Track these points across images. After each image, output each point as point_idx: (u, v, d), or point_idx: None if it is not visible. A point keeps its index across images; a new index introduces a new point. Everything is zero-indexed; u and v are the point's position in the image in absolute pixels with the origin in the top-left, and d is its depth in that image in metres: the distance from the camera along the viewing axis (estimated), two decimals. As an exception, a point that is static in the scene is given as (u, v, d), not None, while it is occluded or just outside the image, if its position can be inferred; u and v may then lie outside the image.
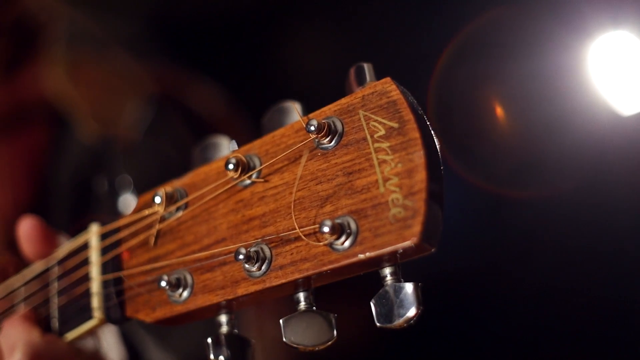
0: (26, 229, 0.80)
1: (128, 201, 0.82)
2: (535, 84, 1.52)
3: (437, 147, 0.58)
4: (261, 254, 0.61)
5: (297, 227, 0.59)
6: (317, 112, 0.62)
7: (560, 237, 1.67)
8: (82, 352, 0.77)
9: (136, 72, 1.60)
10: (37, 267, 0.81)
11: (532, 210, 1.69)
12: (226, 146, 0.70)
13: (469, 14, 1.59)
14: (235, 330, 0.65)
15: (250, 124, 1.61)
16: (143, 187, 0.86)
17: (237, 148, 0.68)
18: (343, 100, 0.61)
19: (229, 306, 0.65)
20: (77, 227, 0.79)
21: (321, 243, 0.59)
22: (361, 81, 0.62)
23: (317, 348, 0.61)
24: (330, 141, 0.61)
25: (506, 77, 1.55)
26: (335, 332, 0.61)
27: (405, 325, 0.58)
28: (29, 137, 1.50)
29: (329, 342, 0.61)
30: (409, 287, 0.57)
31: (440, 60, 1.50)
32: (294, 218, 0.60)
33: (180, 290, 0.65)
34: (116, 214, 0.85)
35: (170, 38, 1.98)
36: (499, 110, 1.56)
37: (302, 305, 0.61)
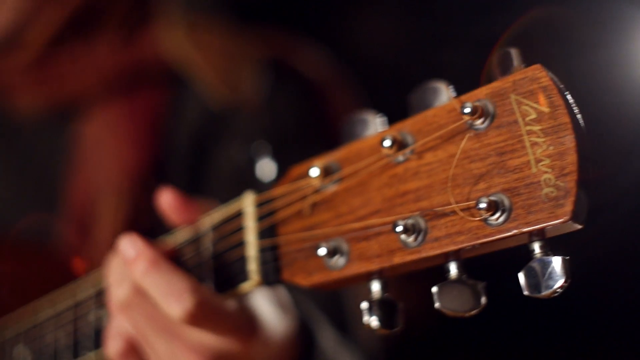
0: (168, 200, 0.89)
1: (265, 166, 0.89)
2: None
3: (584, 132, 0.65)
4: (417, 226, 0.68)
5: (453, 202, 0.67)
6: (469, 94, 0.69)
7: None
8: (243, 309, 0.86)
9: (247, 37, 1.67)
10: (185, 233, 0.90)
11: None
12: (374, 122, 0.77)
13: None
14: (386, 295, 0.73)
15: (355, 91, 1.68)
16: (268, 154, 0.95)
17: (386, 125, 0.76)
18: (494, 84, 0.68)
19: (381, 274, 0.73)
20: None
21: (476, 218, 0.66)
22: (507, 66, 0.68)
23: (466, 314, 0.68)
24: (483, 123, 0.67)
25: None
26: (483, 300, 0.68)
27: (552, 296, 0.65)
28: (147, 98, 1.59)
29: (478, 309, 0.68)
30: (557, 261, 0.64)
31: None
32: (450, 193, 0.67)
33: (337, 257, 0.73)
34: (255, 179, 0.94)
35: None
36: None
37: (453, 274, 0.69)
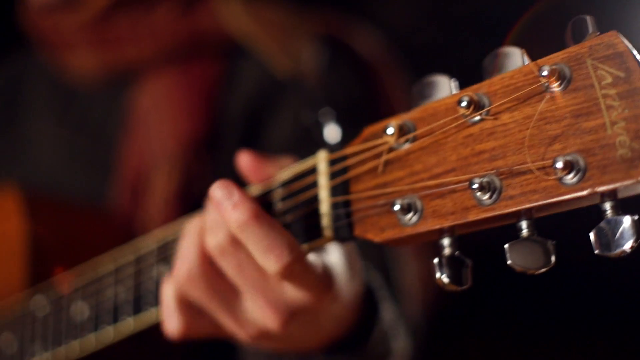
0: (246, 161, 0.94)
1: (332, 131, 0.93)
2: None
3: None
4: (492, 184, 0.72)
5: (529, 161, 0.70)
6: (545, 58, 0.72)
7: None
8: (323, 266, 0.90)
9: (303, 15, 1.71)
10: (254, 189, 0.94)
11: None
12: (447, 84, 0.80)
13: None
14: (457, 252, 0.77)
15: (402, 72, 1.71)
16: (334, 119, 0.99)
17: (459, 87, 0.79)
18: (571, 49, 0.71)
19: (452, 231, 0.77)
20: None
21: (551, 177, 0.69)
22: (581, 32, 0.72)
23: (536, 272, 0.72)
24: (559, 86, 0.71)
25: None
26: (553, 258, 0.72)
27: (621, 255, 0.69)
28: (203, 69, 1.64)
29: (547, 267, 0.72)
30: (627, 221, 0.68)
31: None
32: (527, 153, 0.70)
33: (411, 214, 0.77)
34: (325, 144, 0.98)
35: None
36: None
37: (525, 232, 0.73)
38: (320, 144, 1.02)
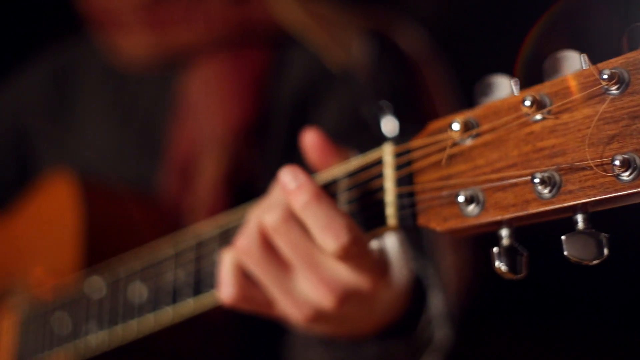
0: (312, 139, 1.00)
1: (388, 124, 1.00)
2: None
3: None
4: (552, 179, 0.78)
5: (589, 158, 0.76)
6: (604, 62, 0.79)
7: None
8: (380, 251, 0.97)
9: (349, 10, 1.77)
10: (320, 177, 1.01)
11: None
12: (507, 84, 0.87)
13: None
14: (515, 243, 0.83)
15: (446, 69, 1.77)
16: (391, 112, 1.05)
17: (519, 87, 0.85)
18: (629, 55, 0.77)
19: (511, 222, 0.83)
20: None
21: (609, 174, 0.75)
22: (637, 40, 0.78)
23: (590, 263, 0.78)
24: (618, 89, 0.77)
25: None
26: (606, 251, 0.78)
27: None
28: (253, 57, 1.70)
29: (601, 259, 0.78)
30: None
31: None
32: (586, 150, 0.77)
33: (473, 205, 0.84)
34: (382, 136, 1.05)
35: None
36: None
37: (580, 225, 0.79)
38: (377, 135, 1.09)
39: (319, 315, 1.01)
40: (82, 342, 1.41)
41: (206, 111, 1.68)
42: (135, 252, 1.35)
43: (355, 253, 0.93)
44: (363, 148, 1.00)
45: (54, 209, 1.66)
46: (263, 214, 0.97)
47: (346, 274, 0.95)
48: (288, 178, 0.94)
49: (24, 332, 1.60)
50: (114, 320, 1.35)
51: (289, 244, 0.96)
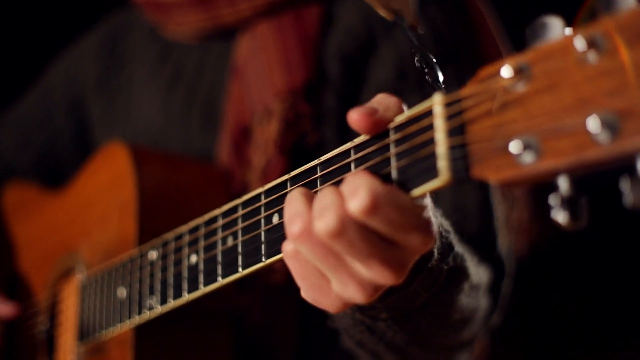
0: (356, 118, 1.00)
1: (441, 73, 1.00)
2: None
3: None
4: (610, 123, 0.77)
5: (649, 100, 0.75)
6: None
7: None
8: (424, 208, 0.97)
9: None
10: (364, 137, 1.01)
11: None
12: (559, 26, 0.85)
13: None
14: (574, 193, 0.83)
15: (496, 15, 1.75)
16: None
17: (570, 29, 0.84)
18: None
19: (569, 170, 0.82)
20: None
21: (669, 115, 0.74)
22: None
23: None
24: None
25: None
26: None
27: None
28: (300, 17, 1.71)
29: None
30: None
31: None
32: (646, 92, 0.75)
33: (528, 153, 0.83)
34: (435, 86, 1.04)
35: None
36: None
37: (641, 170, 0.78)
38: (431, 85, 1.08)
39: (378, 291, 1.01)
40: (140, 311, 1.45)
41: (258, 75, 1.70)
42: (190, 223, 1.37)
43: (409, 216, 0.94)
44: (427, 96, 0.99)
45: (110, 181, 1.70)
46: (315, 222, 0.97)
47: (407, 242, 0.95)
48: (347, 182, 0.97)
49: (85, 304, 1.65)
50: (170, 290, 1.38)
51: (385, 223, 0.96)
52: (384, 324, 1.23)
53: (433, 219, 0.99)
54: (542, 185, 0.86)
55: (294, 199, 1.01)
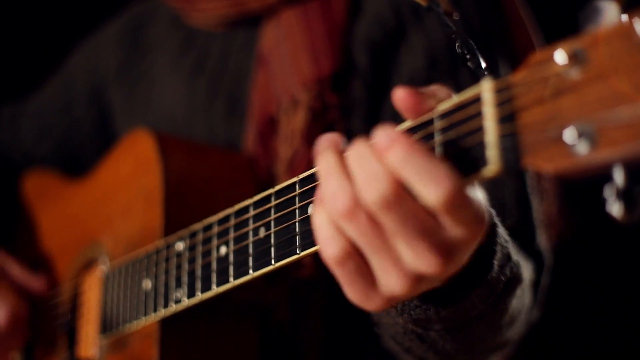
0: (402, 96, 0.97)
1: (483, 58, 0.97)
2: None
3: None
4: (671, 112, 0.74)
5: None
6: None
7: None
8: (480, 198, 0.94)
9: None
10: (409, 124, 0.99)
11: None
12: (615, 9, 0.82)
13: None
14: (630, 184, 0.80)
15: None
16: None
17: (623, 13, 0.81)
18: None
19: (625, 160, 0.80)
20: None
21: None
22: None
23: None
24: None
25: None
26: None
27: None
28: (325, 8, 1.68)
29: None
30: None
31: None
32: None
33: (583, 142, 0.81)
34: (482, 74, 1.02)
35: None
36: None
37: None
38: (472, 72, 1.06)
39: (422, 282, 0.98)
40: (166, 304, 1.44)
41: (285, 64, 1.69)
42: (219, 213, 1.35)
43: (460, 204, 0.90)
44: (459, 85, 0.97)
45: (134, 169, 1.68)
46: (363, 194, 0.94)
47: (452, 232, 0.92)
48: (381, 137, 0.92)
49: (108, 296, 1.63)
50: (197, 283, 1.37)
51: (403, 217, 0.92)
52: (436, 334, 1.22)
53: (487, 214, 0.96)
54: (572, 179, 0.83)
55: (330, 171, 0.98)
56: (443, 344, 1.25)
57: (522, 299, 1.32)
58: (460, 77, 1.54)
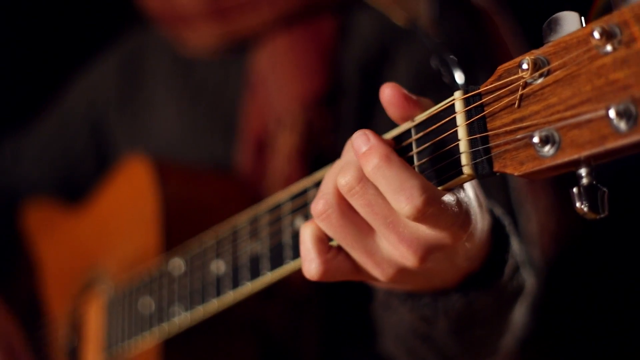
0: (390, 93, 1.03)
1: (461, 75, 1.04)
2: None
3: None
4: (628, 111, 0.80)
5: (665, 87, 0.78)
6: None
7: None
8: (458, 203, 1.00)
9: None
10: (392, 133, 1.05)
11: None
12: (575, 19, 0.88)
13: None
14: (594, 182, 0.86)
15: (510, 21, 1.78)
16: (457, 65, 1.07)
17: (585, 21, 0.87)
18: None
19: (589, 160, 0.85)
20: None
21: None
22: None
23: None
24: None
25: None
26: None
27: None
28: (319, 25, 1.75)
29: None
30: None
31: None
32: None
33: (549, 146, 0.86)
34: (457, 87, 1.08)
35: None
36: None
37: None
38: (450, 86, 1.12)
39: (402, 274, 1.05)
40: (167, 322, 1.49)
41: (276, 86, 1.74)
42: (213, 229, 1.40)
43: (432, 213, 0.96)
44: (442, 100, 1.03)
45: (131, 194, 1.74)
46: (338, 177, 1.01)
47: (425, 232, 0.98)
48: (359, 141, 0.98)
49: (110, 317, 1.68)
50: (195, 299, 1.42)
51: (365, 205, 1.00)
52: (440, 334, 1.27)
53: (473, 217, 1.03)
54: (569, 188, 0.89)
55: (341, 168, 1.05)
56: (444, 345, 1.31)
57: (521, 311, 1.37)
58: (443, 92, 1.60)
